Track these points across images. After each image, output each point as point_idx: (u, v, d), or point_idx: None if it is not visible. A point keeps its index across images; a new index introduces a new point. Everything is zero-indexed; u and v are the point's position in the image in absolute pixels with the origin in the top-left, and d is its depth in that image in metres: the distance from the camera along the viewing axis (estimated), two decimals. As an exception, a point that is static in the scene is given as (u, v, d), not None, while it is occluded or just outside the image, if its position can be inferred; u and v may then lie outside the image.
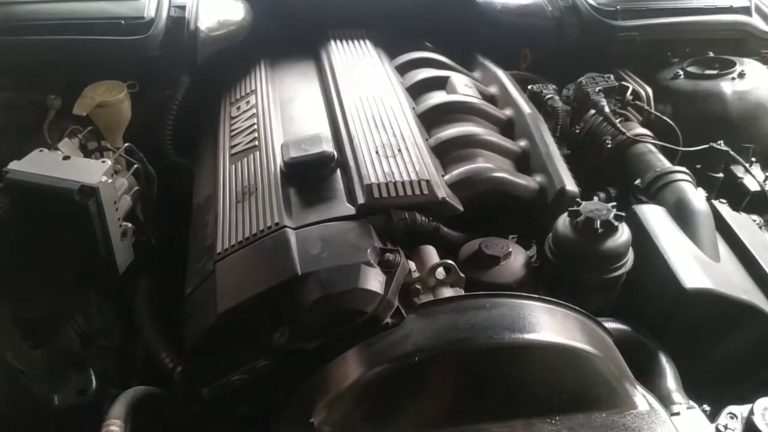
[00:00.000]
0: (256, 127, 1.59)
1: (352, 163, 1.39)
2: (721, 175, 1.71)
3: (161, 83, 1.79)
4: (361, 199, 1.29)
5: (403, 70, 1.89)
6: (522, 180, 1.46)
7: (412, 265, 1.23)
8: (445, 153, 1.49)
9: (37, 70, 1.65)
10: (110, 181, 1.34)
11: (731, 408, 1.13)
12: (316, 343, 1.15)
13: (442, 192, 1.32)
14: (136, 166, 1.48)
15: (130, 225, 1.45)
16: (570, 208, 1.30)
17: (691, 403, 1.18)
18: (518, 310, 1.10)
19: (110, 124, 1.61)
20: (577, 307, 1.15)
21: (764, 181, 1.73)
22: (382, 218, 1.27)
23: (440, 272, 1.22)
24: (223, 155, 1.57)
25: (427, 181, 1.32)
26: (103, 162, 1.37)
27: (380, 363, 1.04)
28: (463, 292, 1.21)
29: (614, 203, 1.31)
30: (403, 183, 1.31)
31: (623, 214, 1.30)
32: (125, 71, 1.68)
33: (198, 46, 1.77)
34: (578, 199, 1.36)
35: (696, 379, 1.27)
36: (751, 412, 1.10)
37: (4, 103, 1.59)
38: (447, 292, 1.20)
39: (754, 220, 1.57)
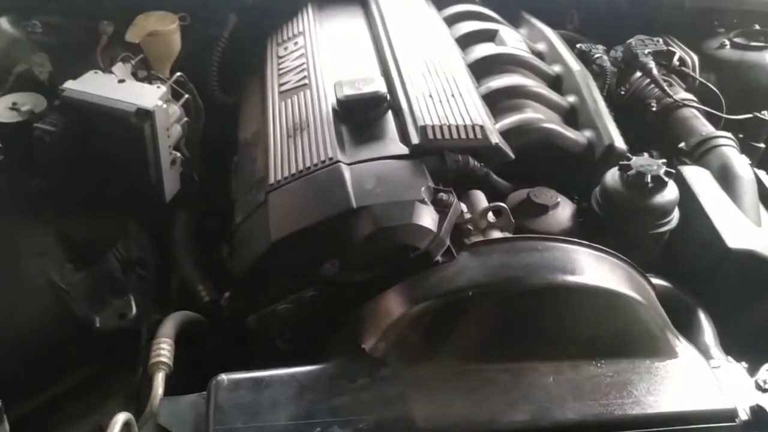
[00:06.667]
0: (305, 66, 1.59)
1: (404, 105, 1.39)
2: (763, 145, 1.71)
3: (208, 20, 1.79)
4: (415, 140, 1.29)
5: (449, 21, 1.86)
6: (571, 133, 1.46)
7: (462, 206, 1.25)
8: (495, 102, 1.48)
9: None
10: (165, 106, 1.35)
11: None
12: (366, 276, 1.16)
13: (496, 137, 1.33)
14: (186, 96, 1.49)
15: (178, 154, 1.46)
16: (621, 162, 1.31)
17: (730, 358, 1.20)
18: (570, 255, 1.13)
19: (160, 54, 1.61)
20: (624, 258, 1.17)
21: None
22: (435, 159, 1.28)
23: (490, 216, 1.23)
24: (272, 93, 1.56)
25: (481, 126, 1.32)
26: (159, 87, 1.37)
27: (435, 295, 1.06)
28: (512, 236, 1.23)
29: (664, 160, 1.32)
30: (457, 126, 1.31)
31: (673, 170, 1.31)
32: (175, 3, 1.67)
33: None
34: (629, 154, 1.36)
35: (731, 339, 1.29)
36: (790, 369, 1.12)
37: (56, 26, 1.59)
38: (497, 235, 1.21)
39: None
